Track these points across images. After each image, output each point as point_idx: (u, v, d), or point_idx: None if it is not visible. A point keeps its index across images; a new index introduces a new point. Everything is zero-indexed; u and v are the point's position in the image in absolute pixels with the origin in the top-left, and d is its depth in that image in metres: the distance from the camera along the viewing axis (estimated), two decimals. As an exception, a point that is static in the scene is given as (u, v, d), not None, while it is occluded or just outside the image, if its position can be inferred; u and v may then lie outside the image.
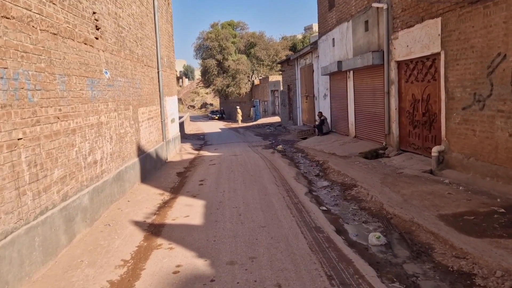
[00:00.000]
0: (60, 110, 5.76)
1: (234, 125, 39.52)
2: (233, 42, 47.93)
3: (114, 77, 8.54)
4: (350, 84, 15.93)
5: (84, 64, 6.81)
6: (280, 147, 17.19)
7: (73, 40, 6.38)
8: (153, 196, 8.89)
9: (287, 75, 27.87)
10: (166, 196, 8.94)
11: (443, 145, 9.59)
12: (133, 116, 9.94)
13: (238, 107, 43.26)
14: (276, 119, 35.98)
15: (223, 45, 46.58)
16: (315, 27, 53.58)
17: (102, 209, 7.27)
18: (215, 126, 38.15)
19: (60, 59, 5.85)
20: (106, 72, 7.98)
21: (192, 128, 36.08)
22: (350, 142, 15.30)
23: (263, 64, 47.43)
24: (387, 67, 12.54)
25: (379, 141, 13.55)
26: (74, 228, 5.96)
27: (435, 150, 9.57)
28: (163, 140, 13.67)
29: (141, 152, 10.52)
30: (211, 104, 74.68)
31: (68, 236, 5.73)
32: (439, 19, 9.48)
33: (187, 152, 17.16)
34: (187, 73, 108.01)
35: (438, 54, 9.66)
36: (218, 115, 55.02)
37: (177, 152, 16.41)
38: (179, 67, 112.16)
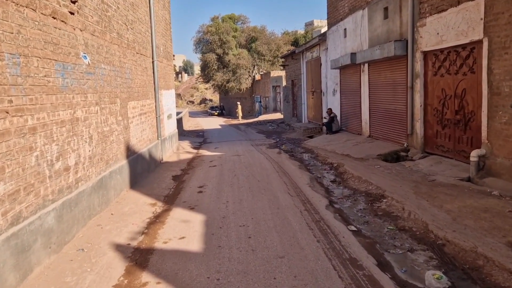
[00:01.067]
0: (10, 102, 4.21)
1: (234, 121, 37.95)
2: (234, 36, 46.25)
3: (97, 63, 6.99)
4: (365, 78, 14.38)
5: (51, 44, 5.25)
6: (285, 146, 15.69)
7: (35, 10, 4.81)
8: (142, 207, 7.36)
9: (291, 70, 26.29)
10: (159, 207, 7.41)
11: (483, 148, 8.08)
12: (121, 111, 8.39)
13: (238, 103, 41.66)
14: (278, 115, 34.43)
15: (224, 39, 44.90)
16: (316, 23, 52.01)
17: (76, 228, 5.74)
18: (214, 123, 36.57)
19: (11, 33, 4.30)
20: (85, 56, 6.42)
21: (191, 124, 34.51)
22: (364, 142, 13.78)
23: (264, 59, 45.79)
24: (411, 58, 10.99)
25: (399, 142, 12.03)
26: (31, 260, 4.42)
27: (474, 154, 8.06)
28: (158, 138, 12.12)
29: (131, 153, 8.98)
30: (211, 100, 73.05)
31: (21, 273, 4.20)
32: (481, 1, 7.95)
33: (185, 151, 15.61)
34: (186, 68, 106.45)
35: (479, 42, 8.13)
36: (217, 111, 53.40)
37: (174, 151, 14.87)
38: (179, 62, 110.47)
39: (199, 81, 62.54)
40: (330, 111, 16.70)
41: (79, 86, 6.13)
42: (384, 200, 7.33)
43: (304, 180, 9.26)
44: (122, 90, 8.53)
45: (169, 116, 14.47)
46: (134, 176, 9.09)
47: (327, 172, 10.51)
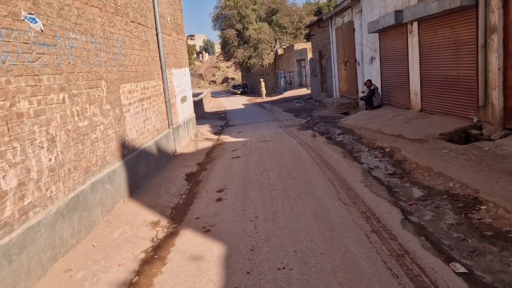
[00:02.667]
0: None
1: (258, 99, 35.53)
2: (253, 10, 43.21)
3: (59, 31, 4.78)
4: (414, 40, 11.69)
5: None
6: (318, 127, 13.31)
7: None
8: (140, 229, 5.23)
9: (318, 40, 23.52)
10: (162, 228, 5.26)
11: None
12: (110, 97, 6.22)
13: (261, 80, 39.03)
14: (304, 91, 31.78)
15: (243, 13, 41.95)
16: None
17: (25, 284, 3.66)
18: (237, 102, 34.27)
19: None
20: (33, 19, 4.21)
21: (213, 105, 32.34)
22: (417, 118, 11.22)
23: (286, 32, 42.69)
24: (484, 8, 8.32)
25: (466, 117, 9.45)
26: None
27: None
28: (169, 127, 9.96)
29: (128, 151, 6.85)
30: (233, 79, 70.54)
31: None
32: None
33: (204, 137, 13.45)
34: (207, 47, 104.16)
35: None
36: (240, 90, 50.90)
37: (191, 139, 12.74)
38: (199, 42, 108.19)
39: (219, 60, 59.96)
40: (369, 82, 14.09)
41: (21, 64, 3.94)
42: (483, 208, 4.95)
43: (355, 175, 6.93)
44: (110, 69, 6.33)
45: (183, 99, 12.28)
46: (135, 179, 6.99)
47: (380, 161, 8.12)
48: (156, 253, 4.46)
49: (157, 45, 9.60)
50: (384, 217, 4.87)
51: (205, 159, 9.68)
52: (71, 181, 4.71)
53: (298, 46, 35.91)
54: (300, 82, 35.97)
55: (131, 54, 7.54)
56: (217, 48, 73.71)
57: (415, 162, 7.34)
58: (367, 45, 15.60)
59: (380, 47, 14.34)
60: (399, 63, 12.89)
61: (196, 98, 21.48)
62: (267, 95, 37.32)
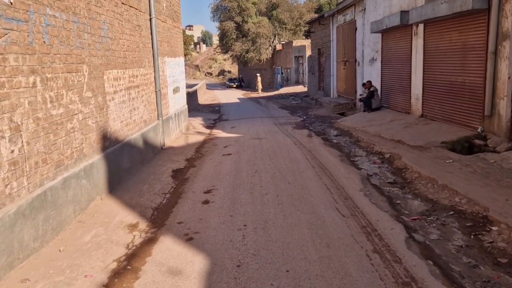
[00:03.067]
0: None
1: (253, 94, 34.94)
2: (253, 3, 42.46)
3: (33, 5, 4.20)
4: (418, 42, 11.21)
5: None
6: (314, 126, 12.82)
7: None
8: (115, 232, 4.68)
9: (318, 37, 22.96)
10: (140, 233, 4.71)
11: None
12: (92, 83, 5.64)
13: (258, 74, 38.38)
14: (301, 88, 31.26)
15: (243, 6, 41.20)
16: None
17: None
18: (233, 96, 33.65)
19: None
20: (0, -12, 3.63)
21: (207, 97, 31.71)
22: (417, 123, 10.76)
23: (286, 28, 42.02)
24: (497, 13, 7.85)
25: (469, 125, 9.00)
26: None
27: None
28: (158, 118, 9.39)
29: (110, 143, 6.28)
30: (229, 72, 69.74)
31: None
32: None
33: (196, 131, 12.89)
34: (205, 39, 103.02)
35: None
36: (236, 83, 50.16)
37: (183, 132, 12.17)
38: (197, 33, 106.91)
39: (217, 52, 59.10)
40: (369, 84, 13.59)
41: (-18, 39, 3.37)
42: (494, 229, 4.49)
43: (353, 182, 6.43)
44: (94, 53, 5.74)
45: (176, 90, 11.69)
46: (117, 174, 6.43)
47: (379, 167, 7.64)
48: (129, 263, 3.92)
49: (150, 31, 9.00)
50: (386, 234, 4.38)
51: (194, 154, 9.13)
52: (38, 176, 4.15)
53: (296, 42, 35.32)
54: (297, 79, 35.44)
55: (120, 39, 6.95)
56: (215, 40, 72.82)
57: (416, 171, 6.87)
58: (368, 45, 15.10)
59: (382, 48, 13.84)
60: (401, 66, 12.41)
61: (190, 90, 20.87)
62: (263, 90, 36.75)
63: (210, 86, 49.27)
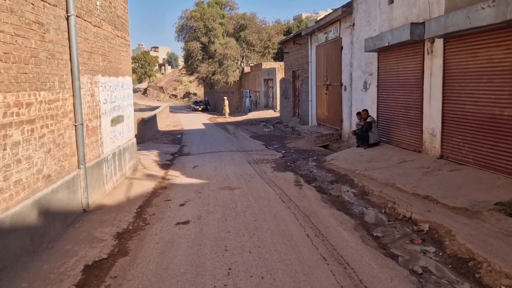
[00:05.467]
0: None
1: (220, 119, 31.86)
2: (220, 23, 39.86)
3: None
4: (435, 62, 8.56)
5: None
6: (298, 165, 9.79)
7: None
8: None
9: (293, 58, 20.33)
10: None
11: None
12: None
13: (225, 98, 35.39)
14: (271, 113, 28.51)
15: (209, 26, 38.47)
16: (305, 16, 45.54)
17: None
18: (198, 120, 30.40)
19: None
20: None
21: (170, 122, 28.30)
22: (440, 168, 7.96)
23: (254, 50, 39.57)
24: None
25: (527, 177, 6.27)
26: None
27: None
28: (79, 167, 6.08)
29: None
30: (195, 94, 66.46)
31: None
32: None
33: (146, 173, 9.57)
34: (170, 60, 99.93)
35: None
36: (202, 106, 47.03)
37: (126, 176, 8.83)
38: (163, 55, 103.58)
39: (182, 73, 55.80)
40: (366, 113, 10.79)
41: None
42: None
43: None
44: None
45: (117, 120, 8.41)
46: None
47: (424, 253, 4.68)
48: None
49: (66, 36, 5.79)
50: None
51: (133, 223, 5.84)
52: None
53: (266, 65, 32.81)
54: (267, 103, 32.75)
55: (-19, 38, 3.71)
56: (181, 62, 69.65)
57: (499, 270, 3.96)
58: (358, 67, 12.45)
59: (378, 70, 11.18)
60: (408, 92, 9.73)
61: (147, 115, 17.54)
62: (230, 114, 33.78)
63: (174, 109, 45.86)
